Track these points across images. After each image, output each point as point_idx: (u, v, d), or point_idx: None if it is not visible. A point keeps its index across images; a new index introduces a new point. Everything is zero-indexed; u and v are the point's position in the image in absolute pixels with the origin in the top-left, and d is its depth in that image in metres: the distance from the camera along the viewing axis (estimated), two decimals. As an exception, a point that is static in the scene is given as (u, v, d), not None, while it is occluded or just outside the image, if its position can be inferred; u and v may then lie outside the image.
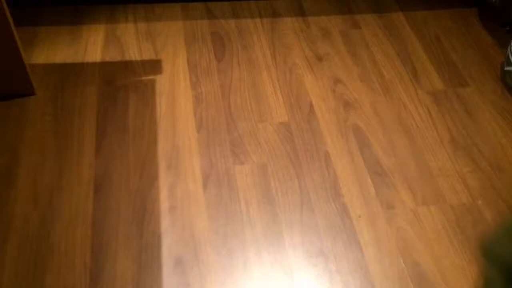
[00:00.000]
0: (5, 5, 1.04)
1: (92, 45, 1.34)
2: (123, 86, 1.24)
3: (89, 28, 1.38)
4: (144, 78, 1.26)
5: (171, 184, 1.06)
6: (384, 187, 1.08)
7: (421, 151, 1.17)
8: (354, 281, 0.94)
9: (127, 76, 1.26)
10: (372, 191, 1.08)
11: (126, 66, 1.29)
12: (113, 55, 1.31)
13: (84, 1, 1.46)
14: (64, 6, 1.45)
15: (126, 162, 1.09)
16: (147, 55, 1.33)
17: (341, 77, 1.32)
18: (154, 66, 1.30)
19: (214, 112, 1.21)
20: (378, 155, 1.14)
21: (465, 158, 1.17)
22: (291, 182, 1.08)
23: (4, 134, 1.12)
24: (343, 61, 1.37)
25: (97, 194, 1.04)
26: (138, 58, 1.31)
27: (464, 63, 1.41)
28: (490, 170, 1.15)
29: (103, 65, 1.29)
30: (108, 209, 1.02)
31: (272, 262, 0.96)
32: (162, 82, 1.26)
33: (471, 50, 1.45)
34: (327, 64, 1.36)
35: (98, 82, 1.24)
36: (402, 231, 1.02)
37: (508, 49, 1.33)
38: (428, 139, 1.20)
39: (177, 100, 1.22)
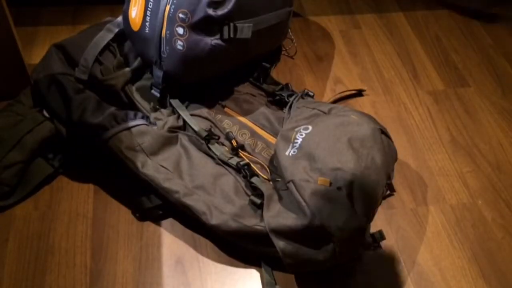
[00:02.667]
0: (5, 5, 1.04)
1: (92, 45, 1.34)
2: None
3: (89, 28, 1.38)
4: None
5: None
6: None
7: (421, 151, 1.17)
8: (354, 281, 0.94)
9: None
10: (372, 191, 1.08)
11: (126, 66, 1.29)
12: (113, 55, 1.31)
13: (84, 1, 1.46)
14: (64, 6, 1.45)
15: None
16: (147, 55, 1.32)
17: (341, 77, 1.32)
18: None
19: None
20: (378, 155, 1.14)
21: (465, 158, 1.17)
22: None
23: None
24: (343, 61, 1.37)
25: (98, 194, 1.04)
26: (138, 58, 1.31)
27: (464, 63, 1.41)
28: (490, 170, 1.15)
29: (103, 65, 1.29)
30: (108, 208, 1.02)
31: (272, 262, 0.96)
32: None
33: (471, 50, 1.45)
34: (327, 64, 1.36)
35: (98, 82, 1.24)
36: (402, 231, 1.02)
37: None
38: (428, 139, 1.20)
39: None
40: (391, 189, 1.06)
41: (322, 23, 1.50)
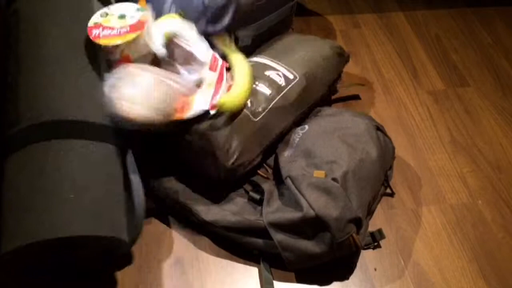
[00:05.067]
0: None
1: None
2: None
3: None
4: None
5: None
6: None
7: (421, 151, 1.17)
8: (354, 281, 0.94)
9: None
10: (372, 191, 1.08)
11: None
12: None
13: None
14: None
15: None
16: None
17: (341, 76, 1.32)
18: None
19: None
20: (378, 155, 1.14)
21: (465, 158, 1.17)
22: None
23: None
24: (343, 61, 1.37)
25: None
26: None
27: (464, 63, 1.41)
28: (490, 170, 1.15)
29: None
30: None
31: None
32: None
33: (471, 50, 1.45)
34: (327, 64, 1.36)
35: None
36: (402, 231, 1.02)
37: None
38: (428, 139, 1.20)
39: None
40: (391, 191, 1.06)
41: (322, 22, 1.50)
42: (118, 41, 0.89)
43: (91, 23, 0.92)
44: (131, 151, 0.89)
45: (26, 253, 0.77)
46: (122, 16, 0.93)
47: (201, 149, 0.92)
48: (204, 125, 0.91)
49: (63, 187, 0.77)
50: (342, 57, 1.17)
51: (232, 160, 0.92)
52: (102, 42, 0.89)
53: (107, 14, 0.94)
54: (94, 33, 0.91)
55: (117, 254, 0.88)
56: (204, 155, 0.93)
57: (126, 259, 0.94)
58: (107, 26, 0.92)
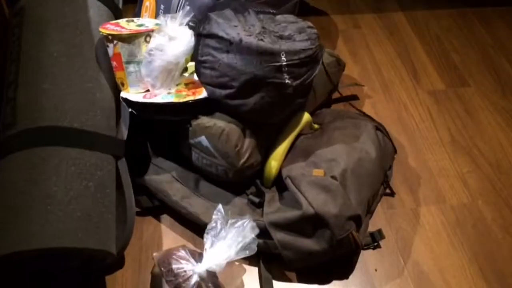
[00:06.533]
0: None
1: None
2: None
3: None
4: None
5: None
6: (384, 187, 1.08)
7: (421, 151, 1.17)
8: (354, 281, 0.94)
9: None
10: (372, 191, 1.08)
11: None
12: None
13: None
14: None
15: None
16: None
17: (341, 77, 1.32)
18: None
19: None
20: (378, 155, 1.14)
21: (465, 158, 1.17)
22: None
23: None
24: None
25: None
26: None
27: (464, 63, 1.41)
28: (490, 170, 1.15)
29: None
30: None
31: (272, 262, 0.96)
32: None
33: (471, 50, 1.45)
34: (327, 64, 1.36)
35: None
36: (402, 231, 1.02)
37: None
38: (428, 139, 1.20)
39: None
40: (391, 191, 1.06)
41: (322, 22, 1.50)
42: (113, 33, 0.91)
43: (114, 21, 0.97)
44: (124, 159, 0.90)
45: (8, 262, 0.76)
46: (140, 25, 0.96)
47: (212, 147, 0.92)
48: (216, 122, 0.92)
49: (52, 196, 0.76)
50: (340, 65, 1.19)
51: (242, 161, 0.93)
52: (102, 29, 0.92)
53: (132, 21, 0.98)
54: (106, 25, 0.94)
55: (104, 264, 0.87)
56: (214, 154, 0.93)
57: (125, 259, 0.94)
58: (122, 26, 0.95)
